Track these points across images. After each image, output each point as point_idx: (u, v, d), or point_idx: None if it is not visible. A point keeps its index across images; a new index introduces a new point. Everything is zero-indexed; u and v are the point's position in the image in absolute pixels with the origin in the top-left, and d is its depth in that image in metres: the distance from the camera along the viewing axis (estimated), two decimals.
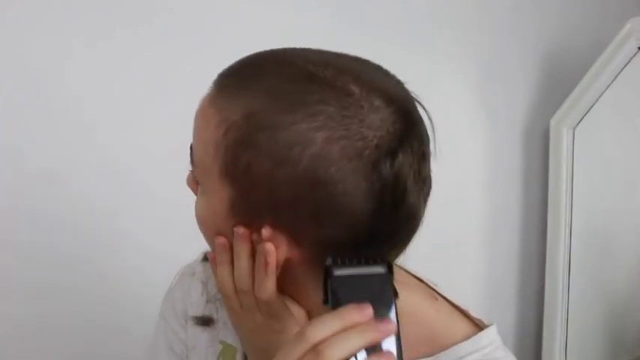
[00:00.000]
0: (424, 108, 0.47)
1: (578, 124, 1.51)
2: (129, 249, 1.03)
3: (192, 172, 0.51)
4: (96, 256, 1.00)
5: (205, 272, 0.60)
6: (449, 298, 0.55)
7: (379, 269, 0.43)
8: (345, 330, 0.39)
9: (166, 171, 1.05)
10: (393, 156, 0.43)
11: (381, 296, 0.42)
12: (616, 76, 1.44)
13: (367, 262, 0.43)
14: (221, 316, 0.58)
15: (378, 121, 0.43)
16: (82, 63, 0.97)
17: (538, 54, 1.59)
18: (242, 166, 0.43)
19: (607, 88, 1.46)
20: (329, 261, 0.42)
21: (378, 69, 0.47)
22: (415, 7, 1.35)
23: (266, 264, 0.45)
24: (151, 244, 1.03)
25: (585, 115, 1.50)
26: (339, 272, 0.42)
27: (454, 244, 1.46)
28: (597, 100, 1.48)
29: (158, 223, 1.04)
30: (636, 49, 1.40)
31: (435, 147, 0.48)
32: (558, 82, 1.59)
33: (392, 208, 0.43)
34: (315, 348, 0.38)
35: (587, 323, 1.57)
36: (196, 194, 0.51)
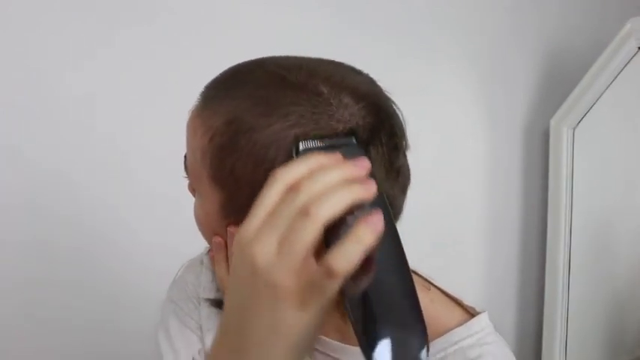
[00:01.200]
0: (395, 104, 0.49)
1: (578, 124, 1.51)
2: (130, 245, 1.03)
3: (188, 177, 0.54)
4: (98, 254, 1.00)
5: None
6: (442, 287, 0.57)
7: (348, 140, 0.43)
8: (331, 186, 0.37)
9: (166, 170, 1.05)
10: (364, 148, 0.44)
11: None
12: (616, 76, 1.44)
13: (336, 136, 0.43)
14: None
15: (347, 115, 0.45)
16: (82, 63, 0.97)
17: (538, 54, 1.59)
18: (227, 170, 0.46)
19: (607, 88, 1.46)
20: (297, 137, 0.43)
21: (351, 69, 0.50)
22: (415, 7, 1.35)
23: None
24: (152, 240, 1.03)
25: (585, 115, 1.50)
26: (306, 145, 0.42)
27: (454, 243, 1.46)
28: (597, 100, 1.48)
29: (158, 219, 1.05)
30: (636, 49, 1.40)
31: (408, 140, 0.49)
32: (558, 82, 1.59)
33: None
34: (304, 208, 0.36)
35: (587, 323, 1.57)
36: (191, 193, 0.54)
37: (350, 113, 0.45)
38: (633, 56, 1.41)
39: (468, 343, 0.52)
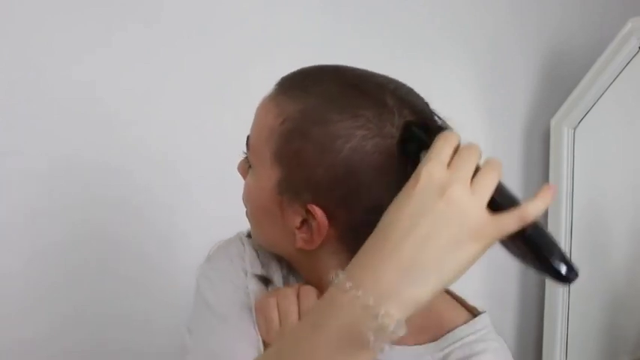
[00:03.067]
0: (445, 122, 0.55)
1: (578, 124, 1.51)
2: (136, 239, 1.03)
3: (244, 159, 0.59)
4: (98, 253, 1.00)
5: (253, 245, 0.64)
6: (448, 288, 0.61)
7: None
8: (482, 168, 0.46)
9: (167, 169, 1.05)
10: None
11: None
12: (617, 76, 1.44)
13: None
14: (276, 279, 0.62)
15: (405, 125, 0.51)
16: (84, 63, 0.97)
17: (538, 54, 1.59)
18: (293, 151, 0.53)
19: (608, 87, 1.46)
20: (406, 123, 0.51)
21: (410, 90, 0.56)
22: (415, 8, 1.35)
23: (319, 232, 0.52)
24: (151, 240, 1.04)
25: (586, 115, 1.50)
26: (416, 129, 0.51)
27: None
28: (598, 100, 1.48)
29: (158, 218, 1.05)
30: (637, 49, 1.39)
31: None
32: (558, 82, 1.59)
33: None
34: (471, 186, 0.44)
35: (588, 323, 1.57)
36: (244, 178, 0.59)
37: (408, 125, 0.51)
38: (634, 56, 1.41)
39: (471, 339, 0.57)
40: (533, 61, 1.59)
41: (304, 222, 0.54)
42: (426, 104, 0.55)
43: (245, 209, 0.61)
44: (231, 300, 0.60)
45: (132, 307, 1.03)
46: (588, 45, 1.57)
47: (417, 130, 0.51)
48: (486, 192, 0.44)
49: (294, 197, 0.53)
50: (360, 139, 0.51)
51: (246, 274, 0.62)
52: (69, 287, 0.98)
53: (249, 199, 0.59)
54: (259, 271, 0.62)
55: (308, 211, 0.53)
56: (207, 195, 1.08)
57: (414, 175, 0.44)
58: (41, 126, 0.94)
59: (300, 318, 0.55)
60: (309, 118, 0.52)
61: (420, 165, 0.45)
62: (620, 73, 1.43)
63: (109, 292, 1.01)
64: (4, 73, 0.91)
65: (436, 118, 0.54)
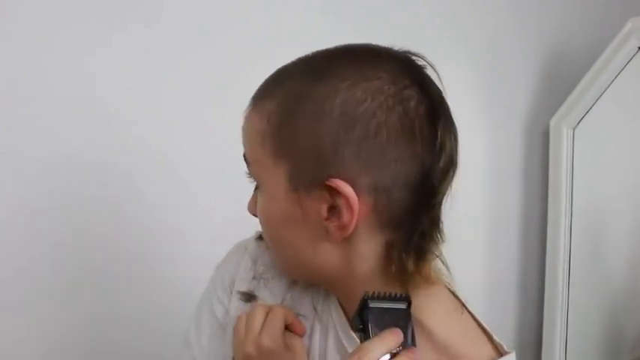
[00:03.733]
0: (425, 59, 0.57)
1: (578, 124, 1.51)
2: (134, 241, 1.03)
3: (251, 198, 0.58)
4: (98, 251, 1.00)
5: (256, 250, 0.64)
6: (474, 314, 0.58)
7: (402, 305, 0.51)
8: (392, 355, 0.47)
9: (166, 169, 1.05)
10: (413, 86, 0.51)
11: (404, 326, 0.50)
12: (616, 76, 1.44)
13: (394, 299, 0.51)
14: (262, 294, 0.62)
15: (388, 66, 0.51)
16: (84, 63, 0.97)
17: (538, 54, 1.59)
18: (288, 137, 0.50)
19: (607, 88, 1.46)
20: (366, 294, 0.50)
21: (379, 45, 0.56)
22: (415, 8, 1.35)
23: (350, 209, 0.49)
24: (158, 234, 1.04)
25: (585, 115, 1.50)
26: (374, 305, 0.50)
27: (453, 243, 1.46)
28: (597, 100, 1.48)
29: (158, 218, 1.05)
30: (636, 49, 1.40)
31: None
32: (558, 82, 1.59)
33: (429, 141, 0.50)
34: None
35: (587, 323, 1.57)
36: (256, 215, 0.57)
37: (389, 64, 0.51)
38: (633, 56, 1.41)
39: None
40: (533, 61, 1.59)
41: (331, 209, 0.50)
42: (407, 52, 0.55)
43: (264, 235, 0.59)
44: (203, 332, 0.64)
45: (132, 308, 1.03)
46: (588, 45, 1.57)
47: (371, 306, 0.50)
48: None
49: (310, 184, 0.50)
50: (346, 90, 0.48)
51: (231, 291, 0.63)
52: (68, 287, 0.98)
53: (265, 218, 0.56)
54: (247, 284, 0.63)
55: (330, 190, 0.49)
56: (208, 195, 1.08)
57: None
58: (41, 126, 0.94)
59: (260, 332, 0.55)
60: (290, 100, 0.50)
61: None
62: (619, 73, 1.43)
63: (108, 292, 1.01)
64: (4, 73, 0.91)
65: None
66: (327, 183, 0.49)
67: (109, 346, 1.01)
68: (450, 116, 0.55)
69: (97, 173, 0.99)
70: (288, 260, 0.58)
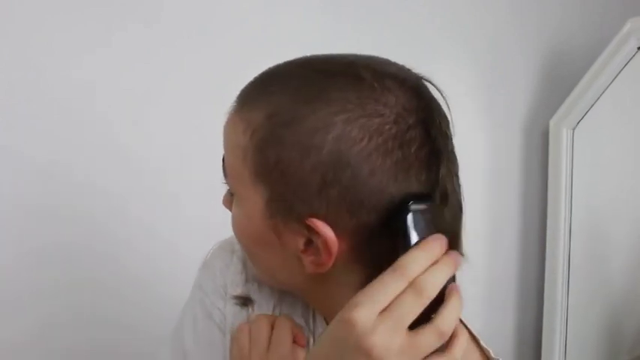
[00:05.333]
0: (434, 85, 0.50)
1: (577, 124, 1.51)
2: (137, 240, 1.03)
3: (227, 191, 0.53)
4: (97, 251, 1.00)
5: (244, 252, 0.60)
6: (463, 320, 0.55)
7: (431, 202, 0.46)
8: (433, 264, 0.43)
9: (167, 169, 1.05)
10: (417, 128, 0.45)
11: (439, 227, 0.45)
12: (616, 76, 1.44)
13: (430, 199, 0.46)
14: (257, 298, 0.59)
15: (392, 98, 0.45)
16: (84, 63, 0.97)
17: (538, 54, 1.59)
18: (271, 164, 0.45)
19: (607, 88, 1.46)
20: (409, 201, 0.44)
21: (386, 60, 0.49)
22: (415, 8, 1.35)
23: (328, 249, 0.45)
24: (160, 234, 1.04)
25: (585, 115, 1.50)
26: (415, 207, 0.44)
27: None
28: (597, 101, 1.48)
29: (157, 217, 1.05)
30: (636, 49, 1.40)
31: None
32: (558, 82, 1.59)
33: (427, 186, 0.46)
34: (413, 284, 0.41)
35: (587, 323, 1.57)
36: (231, 210, 0.53)
37: (395, 96, 0.45)
38: (633, 56, 1.41)
39: None
40: (533, 61, 1.59)
41: (308, 242, 0.46)
42: (409, 70, 0.49)
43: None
44: (202, 337, 0.60)
45: (131, 308, 1.03)
46: (587, 45, 1.57)
47: (413, 210, 0.44)
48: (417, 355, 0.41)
49: (288, 216, 0.46)
50: (342, 125, 0.43)
51: (225, 294, 0.60)
52: (68, 287, 0.97)
53: (239, 232, 0.52)
54: (240, 288, 0.60)
55: (309, 228, 0.45)
56: (208, 195, 1.08)
57: (338, 316, 0.41)
58: (41, 126, 0.94)
59: (269, 347, 0.51)
60: (278, 121, 0.45)
61: (349, 305, 0.41)
62: (619, 73, 1.44)
63: (108, 292, 1.01)
64: (4, 73, 0.91)
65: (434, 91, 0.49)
66: (306, 222, 0.45)
67: (109, 345, 1.01)
68: (453, 152, 0.50)
69: (96, 173, 0.99)
70: (263, 271, 0.56)
